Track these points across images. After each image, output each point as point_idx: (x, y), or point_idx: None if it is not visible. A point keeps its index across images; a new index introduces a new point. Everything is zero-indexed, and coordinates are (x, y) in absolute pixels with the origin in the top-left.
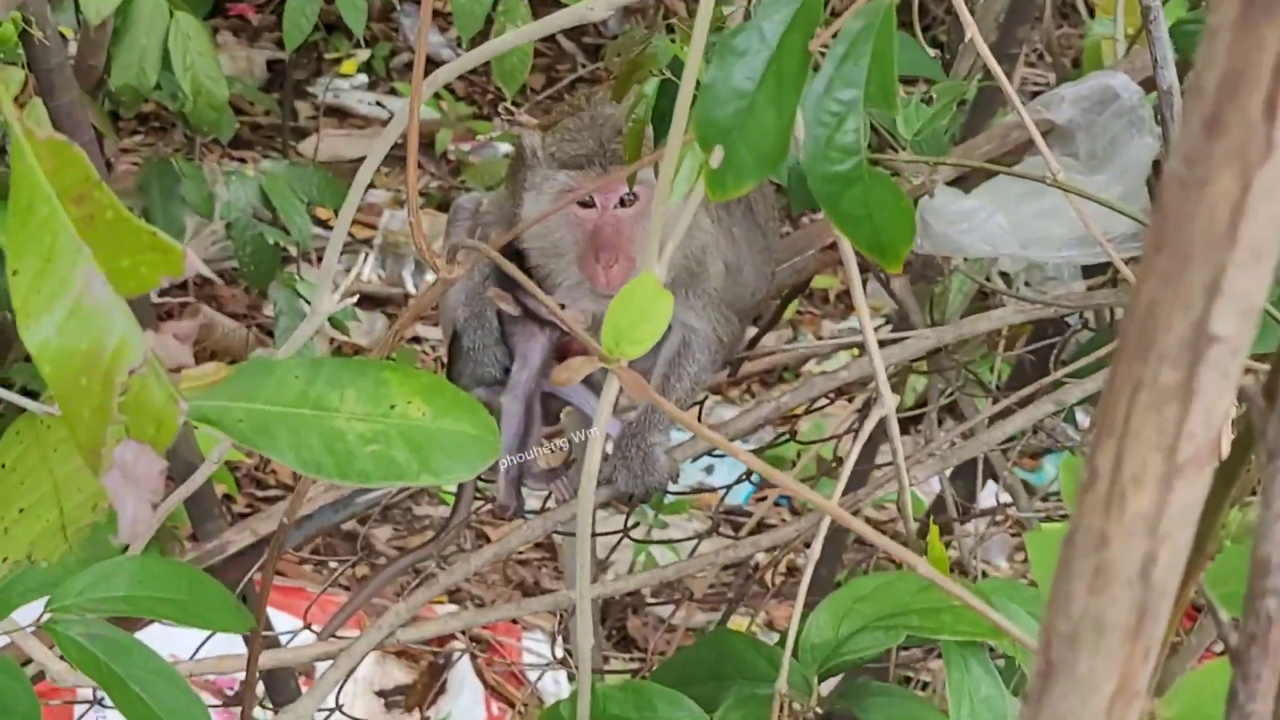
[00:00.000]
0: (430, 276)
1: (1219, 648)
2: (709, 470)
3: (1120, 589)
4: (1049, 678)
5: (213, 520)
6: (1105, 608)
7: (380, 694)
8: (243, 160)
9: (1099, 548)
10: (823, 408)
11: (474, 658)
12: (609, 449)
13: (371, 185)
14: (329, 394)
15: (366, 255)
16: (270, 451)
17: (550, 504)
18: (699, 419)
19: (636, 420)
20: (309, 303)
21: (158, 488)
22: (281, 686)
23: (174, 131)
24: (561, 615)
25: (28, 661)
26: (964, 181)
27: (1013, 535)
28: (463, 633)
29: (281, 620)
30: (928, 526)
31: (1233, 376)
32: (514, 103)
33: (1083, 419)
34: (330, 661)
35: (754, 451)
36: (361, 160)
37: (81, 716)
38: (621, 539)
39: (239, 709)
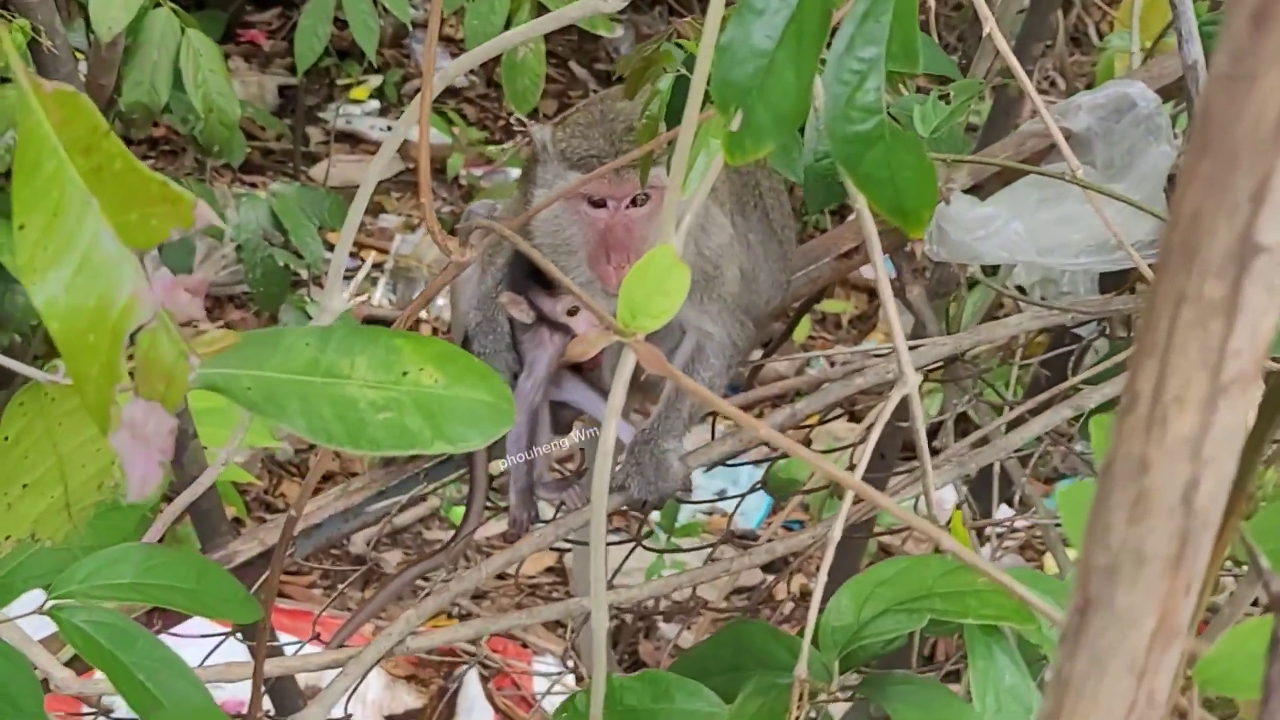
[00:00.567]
0: (441, 301)
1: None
2: (721, 493)
3: (1161, 518)
4: (1086, 614)
5: (220, 538)
6: (1145, 538)
7: (390, 718)
8: (254, 185)
9: (1139, 474)
10: (836, 416)
11: (484, 680)
12: (620, 456)
13: (382, 210)
14: (340, 361)
15: (376, 268)
16: (280, 419)
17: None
18: (712, 433)
19: (649, 426)
20: None
21: (168, 446)
22: (290, 707)
23: (184, 156)
24: (572, 640)
25: None
26: (980, 190)
27: (1029, 560)
28: (471, 654)
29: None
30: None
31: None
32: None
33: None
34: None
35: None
36: (374, 186)
37: None
38: (635, 548)
39: None
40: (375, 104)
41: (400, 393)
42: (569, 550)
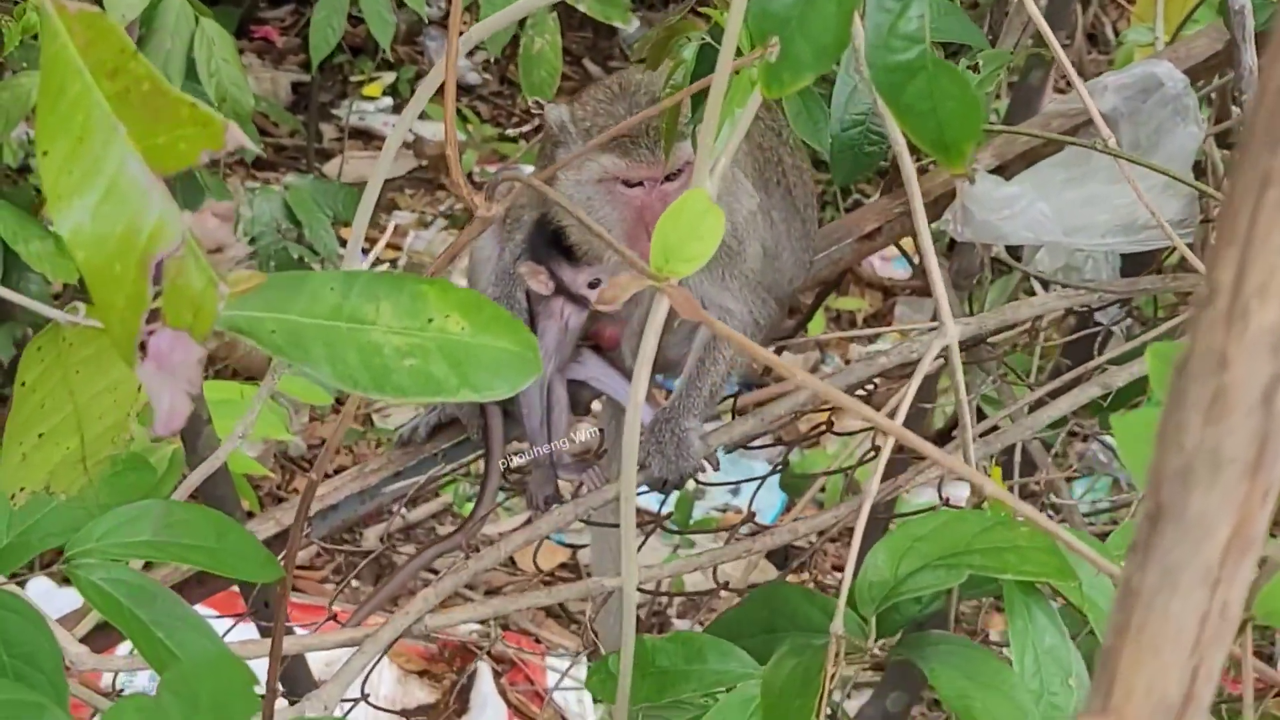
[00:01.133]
0: (461, 282)
1: None
2: (735, 492)
3: (1240, 417)
4: (1158, 522)
5: None
6: (1223, 439)
7: (403, 713)
8: (267, 182)
9: (1217, 370)
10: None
11: (497, 676)
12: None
13: (396, 207)
14: (364, 306)
15: (390, 264)
16: (304, 363)
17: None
18: (733, 412)
19: (670, 405)
20: None
21: (196, 378)
22: (303, 694)
23: None
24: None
25: None
26: (1004, 171)
27: None
28: (485, 650)
29: None
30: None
31: None
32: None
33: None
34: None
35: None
36: (386, 182)
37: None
38: (655, 528)
39: None
40: (389, 101)
41: (425, 339)
42: (584, 546)
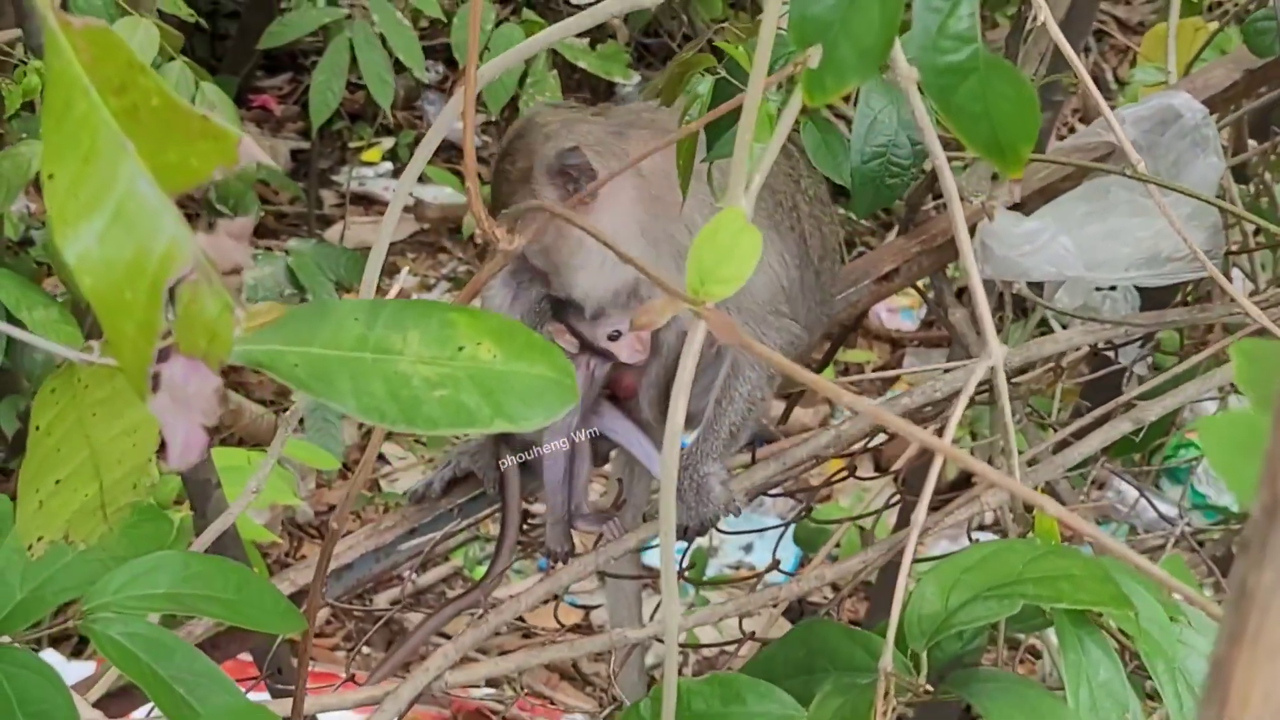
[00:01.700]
0: None
1: None
2: (748, 549)
3: None
4: (1276, 515)
5: None
6: None
7: None
8: (269, 249)
9: None
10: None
11: None
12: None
13: (397, 270)
14: (391, 336)
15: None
16: (330, 397)
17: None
18: (753, 458)
19: (689, 450)
20: None
21: (211, 409)
22: None
23: (197, 221)
24: (603, 697)
25: None
26: (1021, 208)
27: None
28: (501, 715)
29: None
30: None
31: None
32: None
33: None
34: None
35: (798, 517)
36: (390, 247)
37: None
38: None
39: None
40: (388, 165)
41: (456, 369)
42: (597, 607)
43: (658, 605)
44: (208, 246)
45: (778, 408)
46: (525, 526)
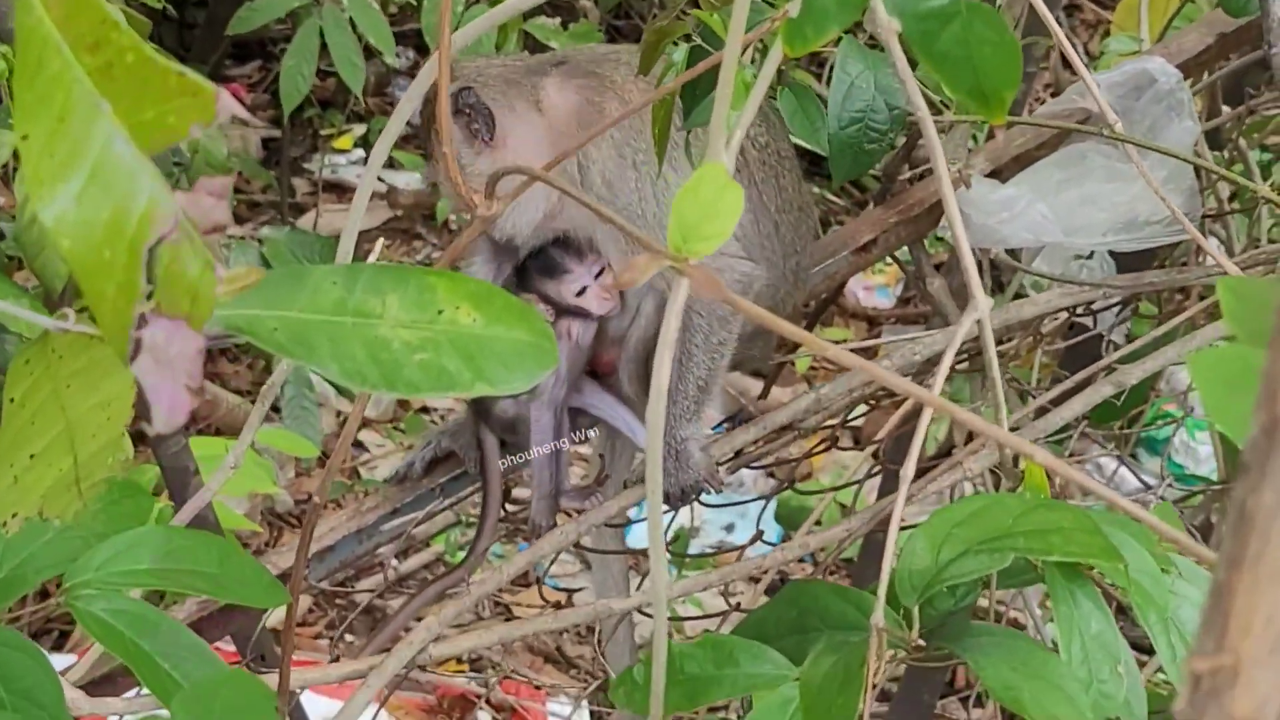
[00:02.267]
0: None
1: None
2: (729, 529)
3: None
4: (1276, 435)
5: None
6: None
7: None
8: (242, 238)
9: None
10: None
11: None
12: (639, 454)
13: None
14: (370, 300)
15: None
16: (311, 361)
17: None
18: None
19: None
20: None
21: (195, 370)
22: None
23: None
24: (588, 680)
25: None
26: (997, 175)
27: None
28: (486, 701)
29: None
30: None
31: None
32: None
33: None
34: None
35: (782, 488)
36: (361, 233)
37: None
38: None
39: None
40: (360, 153)
41: (436, 333)
42: (581, 590)
43: (644, 577)
44: (188, 205)
45: (756, 388)
46: (506, 507)
